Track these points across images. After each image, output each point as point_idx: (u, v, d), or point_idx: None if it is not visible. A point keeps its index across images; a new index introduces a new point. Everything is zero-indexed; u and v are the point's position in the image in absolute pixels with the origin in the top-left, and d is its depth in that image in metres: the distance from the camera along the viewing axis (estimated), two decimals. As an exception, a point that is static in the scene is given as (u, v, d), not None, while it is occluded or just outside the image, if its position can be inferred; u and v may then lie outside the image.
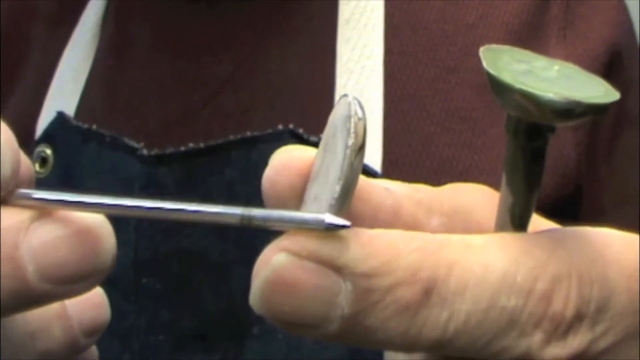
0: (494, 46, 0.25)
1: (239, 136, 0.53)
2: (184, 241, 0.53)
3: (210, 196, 0.53)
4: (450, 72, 0.56)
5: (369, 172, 0.52)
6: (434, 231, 0.26)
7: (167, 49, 0.59)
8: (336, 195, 0.23)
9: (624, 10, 0.62)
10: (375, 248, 0.23)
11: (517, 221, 0.25)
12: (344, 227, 0.22)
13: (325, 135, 0.25)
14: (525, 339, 0.23)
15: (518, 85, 0.22)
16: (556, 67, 0.25)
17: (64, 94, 0.61)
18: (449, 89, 0.56)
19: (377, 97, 0.54)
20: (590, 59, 0.58)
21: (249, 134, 0.53)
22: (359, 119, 0.23)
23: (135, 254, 0.53)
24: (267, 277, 0.22)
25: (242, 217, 0.23)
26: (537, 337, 0.23)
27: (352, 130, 0.23)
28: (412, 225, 0.26)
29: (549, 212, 0.54)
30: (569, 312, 0.23)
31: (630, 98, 0.60)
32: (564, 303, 0.23)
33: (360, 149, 0.23)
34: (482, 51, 0.24)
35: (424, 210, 0.26)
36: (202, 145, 0.54)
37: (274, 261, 0.22)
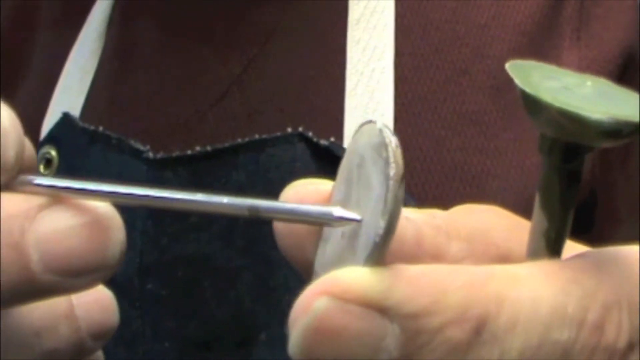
0: (519, 62, 0.24)
1: (246, 139, 0.53)
2: (190, 246, 0.52)
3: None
4: (461, 74, 0.55)
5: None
6: (455, 257, 0.25)
7: (174, 50, 0.59)
8: (381, 231, 0.21)
9: (639, 12, 0.61)
10: (422, 286, 0.21)
11: (552, 246, 0.24)
12: (354, 220, 0.22)
13: (346, 165, 0.24)
14: None
15: (558, 104, 0.21)
16: (589, 83, 0.24)
17: (69, 95, 0.60)
18: (461, 91, 0.55)
19: (387, 100, 0.54)
20: (605, 61, 0.57)
21: (257, 137, 0.53)
22: (396, 146, 0.22)
23: (140, 259, 0.53)
24: (308, 324, 0.21)
25: (250, 208, 0.23)
26: None
27: (391, 159, 0.21)
28: (435, 254, 0.25)
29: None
30: (622, 341, 0.22)
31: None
32: (616, 333, 0.22)
33: (402, 178, 0.22)
34: (509, 67, 0.23)
35: (443, 236, 0.25)
36: (209, 148, 0.53)
37: (315, 306, 0.21)
